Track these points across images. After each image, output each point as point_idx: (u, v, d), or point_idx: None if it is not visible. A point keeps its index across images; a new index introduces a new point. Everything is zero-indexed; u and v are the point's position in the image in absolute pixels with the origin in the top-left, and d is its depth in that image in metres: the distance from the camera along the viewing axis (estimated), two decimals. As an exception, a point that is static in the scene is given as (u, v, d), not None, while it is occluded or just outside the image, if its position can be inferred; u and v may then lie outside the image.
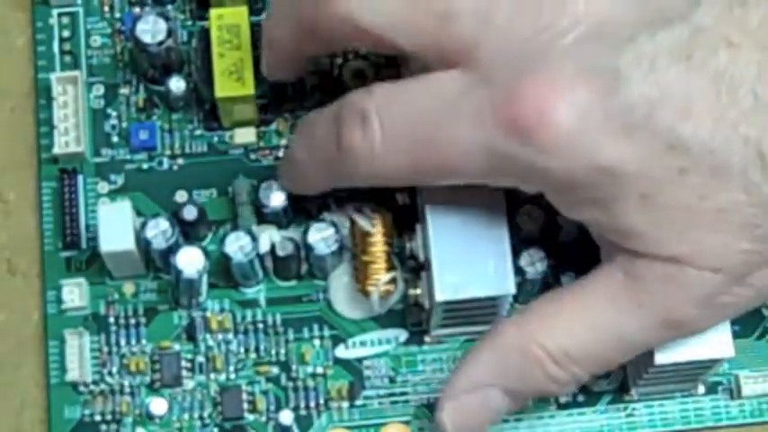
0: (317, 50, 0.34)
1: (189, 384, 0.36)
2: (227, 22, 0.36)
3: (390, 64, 0.38)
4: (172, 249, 0.35)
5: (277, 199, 0.36)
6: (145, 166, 0.38)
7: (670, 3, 0.29)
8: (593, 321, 0.31)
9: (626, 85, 0.28)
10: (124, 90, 0.38)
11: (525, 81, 0.29)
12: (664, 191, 0.29)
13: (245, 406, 0.36)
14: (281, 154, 0.38)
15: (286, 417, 0.35)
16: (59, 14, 0.39)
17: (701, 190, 0.29)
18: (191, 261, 0.35)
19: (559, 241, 0.36)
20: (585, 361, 0.31)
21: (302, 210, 0.36)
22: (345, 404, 0.36)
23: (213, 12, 0.36)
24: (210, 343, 0.36)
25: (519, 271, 0.35)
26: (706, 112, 0.28)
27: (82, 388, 0.36)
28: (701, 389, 0.36)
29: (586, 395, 0.36)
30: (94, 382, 0.36)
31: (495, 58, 0.30)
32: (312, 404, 0.36)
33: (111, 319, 0.36)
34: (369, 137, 0.31)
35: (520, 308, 0.32)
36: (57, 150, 0.37)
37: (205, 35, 0.36)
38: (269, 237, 0.36)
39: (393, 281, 0.35)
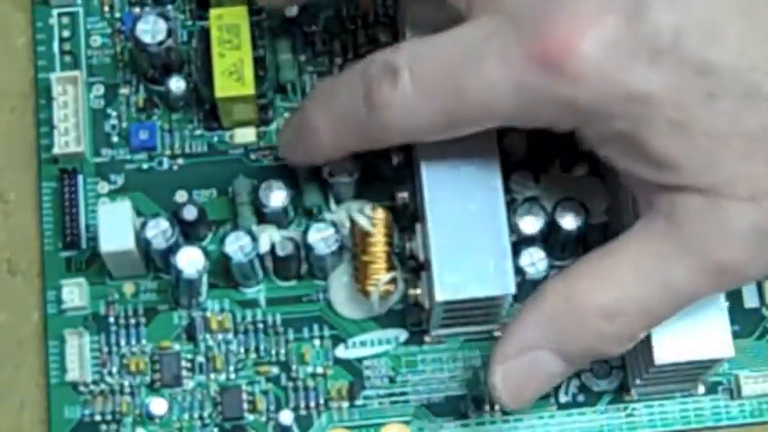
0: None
1: (189, 384, 0.36)
2: (227, 22, 0.36)
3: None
4: (172, 249, 0.35)
5: (277, 199, 0.36)
6: (145, 166, 0.38)
7: None
8: (640, 274, 0.30)
9: (651, 11, 0.29)
10: (124, 90, 0.38)
11: (551, 15, 0.29)
12: (694, 116, 0.29)
13: (245, 406, 0.36)
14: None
15: (286, 417, 0.35)
16: (59, 14, 0.39)
17: (732, 115, 0.29)
18: (191, 261, 0.35)
19: (559, 241, 0.36)
20: (636, 316, 0.31)
21: (303, 208, 0.37)
22: (345, 404, 0.36)
23: (213, 12, 0.36)
24: (210, 343, 0.36)
25: (519, 271, 0.35)
26: (734, 35, 0.28)
27: (82, 388, 0.36)
28: (701, 389, 0.36)
29: (586, 395, 0.36)
30: (94, 382, 0.36)
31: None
32: (312, 404, 0.36)
33: (111, 319, 0.36)
34: (401, 90, 0.31)
35: (563, 269, 0.32)
36: (57, 150, 0.37)
37: (205, 35, 0.36)
38: (269, 237, 0.36)
39: (393, 281, 0.35)
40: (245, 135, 0.38)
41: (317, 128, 0.34)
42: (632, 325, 0.31)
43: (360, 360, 0.36)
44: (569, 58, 0.29)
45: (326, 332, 0.36)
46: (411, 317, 0.36)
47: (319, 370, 0.36)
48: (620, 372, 0.36)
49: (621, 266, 0.31)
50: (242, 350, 0.36)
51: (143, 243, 0.35)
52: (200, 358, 0.36)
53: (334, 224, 0.35)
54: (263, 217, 0.36)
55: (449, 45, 0.31)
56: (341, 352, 0.36)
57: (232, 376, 0.36)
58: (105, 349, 0.36)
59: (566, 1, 0.29)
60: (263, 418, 0.36)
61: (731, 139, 0.29)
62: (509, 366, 0.32)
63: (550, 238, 0.35)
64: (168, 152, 0.38)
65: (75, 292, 0.36)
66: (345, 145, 0.34)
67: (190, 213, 0.36)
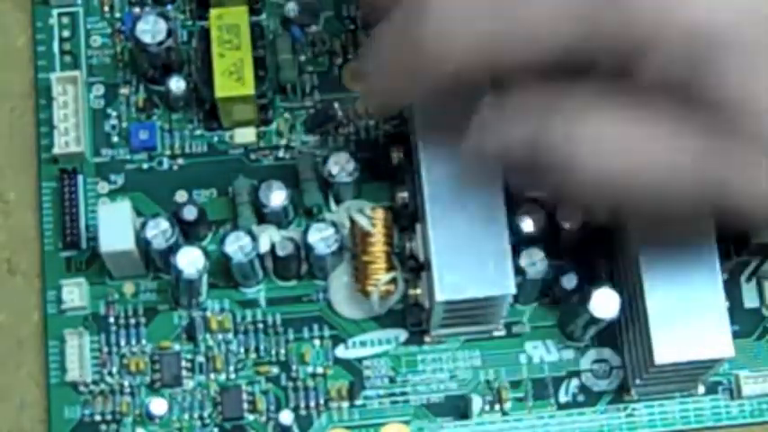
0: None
1: (189, 384, 0.36)
2: (227, 21, 0.36)
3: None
4: (172, 249, 0.35)
5: (277, 199, 0.36)
6: (145, 166, 0.38)
7: None
8: None
9: None
10: (124, 90, 0.38)
11: None
12: (760, 49, 0.27)
13: (245, 406, 0.36)
14: (281, 154, 0.38)
15: (286, 417, 0.35)
16: (59, 14, 0.39)
17: None
18: (191, 261, 0.35)
19: (559, 241, 0.36)
20: None
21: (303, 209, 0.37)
22: (345, 404, 0.36)
23: (213, 12, 0.36)
24: (210, 343, 0.36)
25: (519, 271, 0.35)
26: None
27: (82, 388, 0.36)
28: (701, 389, 0.36)
29: (586, 395, 0.36)
30: (94, 382, 0.36)
31: None
32: (312, 404, 0.36)
33: (111, 319, 0.36)
34: (441, 12, 0.28)
35: None
36: (57, 150, 0.37)
37: (205, 35, 0.36)
38: (269, 237, 0.36)
39: (393, 281, 0.35)
40: (245, 135, 0.38)
41: (377, 76, 0.31)
42: None
43: (360, 360, 0.36)
44: None
45: (326, 332, 0.36)
46: (411, 317, 0.36)
47: (319, 370, 0.36)
48: (621, 372, 0.36)
49: None
50: (242, 350, 0.36)
51: (143, 243, 0.35)
52: (200, 358, 0.36)
53: (334, 224, 0.35)
54: (263, 217, 0.36)
55: None
56: (341, 352, 0.36)
57: (232, 376, 0.36)
58: (105, 349, 0.36)
59: None
60: (263, 418, 0.36)
61: None
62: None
63: (550, 238, 0.35)
64: (168, 152, 0.38)
65: (75, 292, 0.36)
66: (409, 86, 0.31)
67: (190, 213, 0.36)
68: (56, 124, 0.37)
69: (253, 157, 0.38)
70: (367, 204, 0.36)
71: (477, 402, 0.36)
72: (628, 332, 0.35)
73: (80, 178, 0.37)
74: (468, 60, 0.29)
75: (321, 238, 0.35)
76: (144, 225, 0.35)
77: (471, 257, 0.33)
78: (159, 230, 0.35)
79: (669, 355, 0.33)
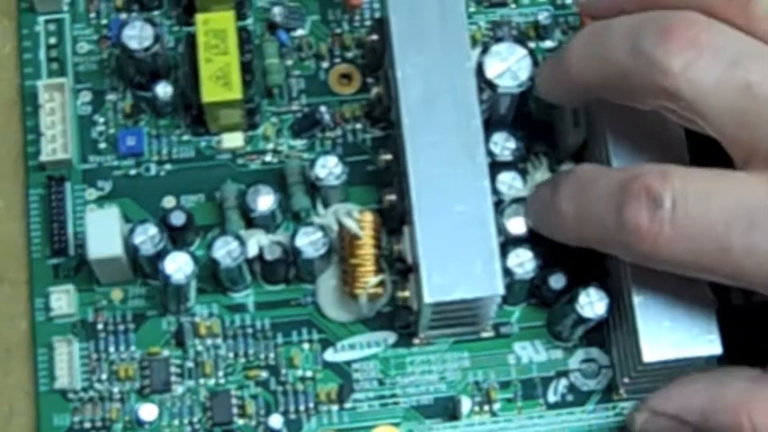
0: (616, 100, 0.33)
1: (178, 390, 0.36)
2: (214, 26, 0.36)
3: (376, 68, 0.38)
4: (160, 255, 0.35)
5: (264, 203, 0.36)
6: (132, 172, 0.38)
7: None
8: None
9: None
10: (111, 96, 0.38)
11: None
12: None
13: (235, 410, 0.36)
14: (267, 158, 0.38)
15: (276, 421, 0.35)
16: (46, 21, 0.39)
17: None
18: (179, 267, 0.35)
19: (547, 241, 0.36)
20: None
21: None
22: (335, 407, 0.36)
23: (199, 17, 0.36)
24: (199, 348, 0.36)
25: (507, 272, 0.35)
26: None
27: (71, 395, 0.36)
28: (690, 388, 0.36)
29: (575, 395, 0.36)
30: (83, 389, 0.36)
31: None
32: (302, 408, 0.36)
33: (100, 326, 0.36)
34: (656, 224, 0.30)
35: (758, 371, 0.32)
36: (44, 157, 0.37)
37: (192, 40, 0.37)
38: (257, 241, 0.36)
39: (381, 283, 0.35)
40: (233, 140, 0.38)
41: (564, 213, 0.33)
42: None
43: (349, 363, 0.36)
44: None
45: (315, 336, 0.36)
46: (400, 319, 0.36)
47: (308, 374, 0.36)
48: (609, 371, 0.36)
49: None
50: (231, 355, 0.36)
51: (131, 249, 0.35)
52: (190, 363, 0.36)
53: (321, 228, 0.35)
54: (251, 221, 0.36)
55: (723, 195, 0.29)
56: (330, 355, 0.36)
57: (221, 381, 0.36)
58: (94, 356, 0.36)
59: None
60: (253, 423, 0.36)
61: None
62: (656, 418, 0.33)
63: (538, 239, 0.35)
64: (156, 158, 0.38)
65: (63, 300, 0.36)
66: (585, 240, 0.33)
67: (178, 219, 0.36)
68: (43, 131, 0.37)
69: (240, 161, 0.38)
70: (355, 207, 0.36)
71: (466, 403, 0.36)
72: (616, 331, 0.35)
73: (68, 185, 0.37)
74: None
75: (309, 241, 0.35)
76: (132, 231, 0.35)
77: (459, 259, 0.33)
78: (147, 236, 0.35)
79: (657, 354, 0.33)
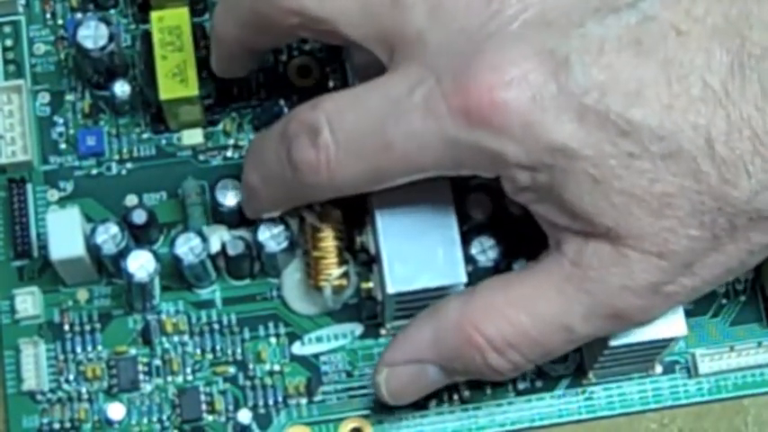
0: (266, 44, 0.34)
1: (146, 388, 0.36)
2: (169, 23, 0.36)
3: (334, 59, 0.38)
4: (122, 254, 0.35)
5: (234, 198, 0.36)
6: (94, 171, 0.37)
7: None
8: (537, 310, 0.31)
9: (575, 69, 0.29)
10: (70, 97, 0.38)
11: (475, 67, 0.29)
12: (613, 174, 0.29)
13: (204, 407, 0.36)
14: (229, 153, 0.38)
15: (245, 416, 0.35)
16: (1, 23, 0.38)
17: (651, 175, 0.29)
18: (141, 265, 0.35)
19: (510, 228, 0.36)
20: (527, 350, 0.31)
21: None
22: (304, 400, 0.36)
23: (154, 14, 0.36)
24: (166, 345, 0.36)
25: (470, 259, 0.35)
26: (656, 97, 0.28)
27: (39, 397, 0.36)
28: (659, 369, 0.36)
29: (544, 380, 0.36)
30: (51, 391, 0.36)
31: (443, 48, 0.30)
32: (270, 402, 0.36)
33: (66, 327, 0.36)
34: (322, 150, 0.31)
35: (467, 288, 0.32)
36: (4, 160, 0.37)
37: (147, 38, 0.36)
38: (219, 237, 0.36)
39: (345, 275, 0.35)
40: (193, 136, 0.37)
41: (254, 187, 0.33)
42: (521, 359, 0.31)
43: (316, 356, 0.36)
44: (493, 110, 0.29)
45: (282, 329, 0.36)
46: (366, 310, 0.36)
47: (276, 368, 0.36)
48: (577, 355, 0.36)
49: (521, 300, 0.31)
50: (198, 351, 0.36)
51: (93, 249, 0.35)
52: (157, 361, 0.36)
53: (283, 221, 0.35)
54: (219, 216, 0.36)
55: (371, 99, 0.30)
56: (297, 349, 0.36)
57: (189, 378, 0.36)
58: (61, 357, 0.36)
59: (489, 51, 0.29)
60: (222, 419, 0.36)
61: (648, 198, 0.29)
62: (395, 371, 0.33)
63: (500, 225, 0.35)
64: (116, 157, 0.38)
65: (28, 301, 0.36)
66: (280, 202, 0.34)
67: (139, 217, 0.36)
68: (2, 134, 0.37)
69: (201, 158, 0.38)
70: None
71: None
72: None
73: (29, 187, 0.37)
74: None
75: (271, 235, 0.35)
76: (93, 231, 0.35)
77: (421, 248, 0.33)
78: (109, 235, 0.35)
79: (623, 337, 0.33)
